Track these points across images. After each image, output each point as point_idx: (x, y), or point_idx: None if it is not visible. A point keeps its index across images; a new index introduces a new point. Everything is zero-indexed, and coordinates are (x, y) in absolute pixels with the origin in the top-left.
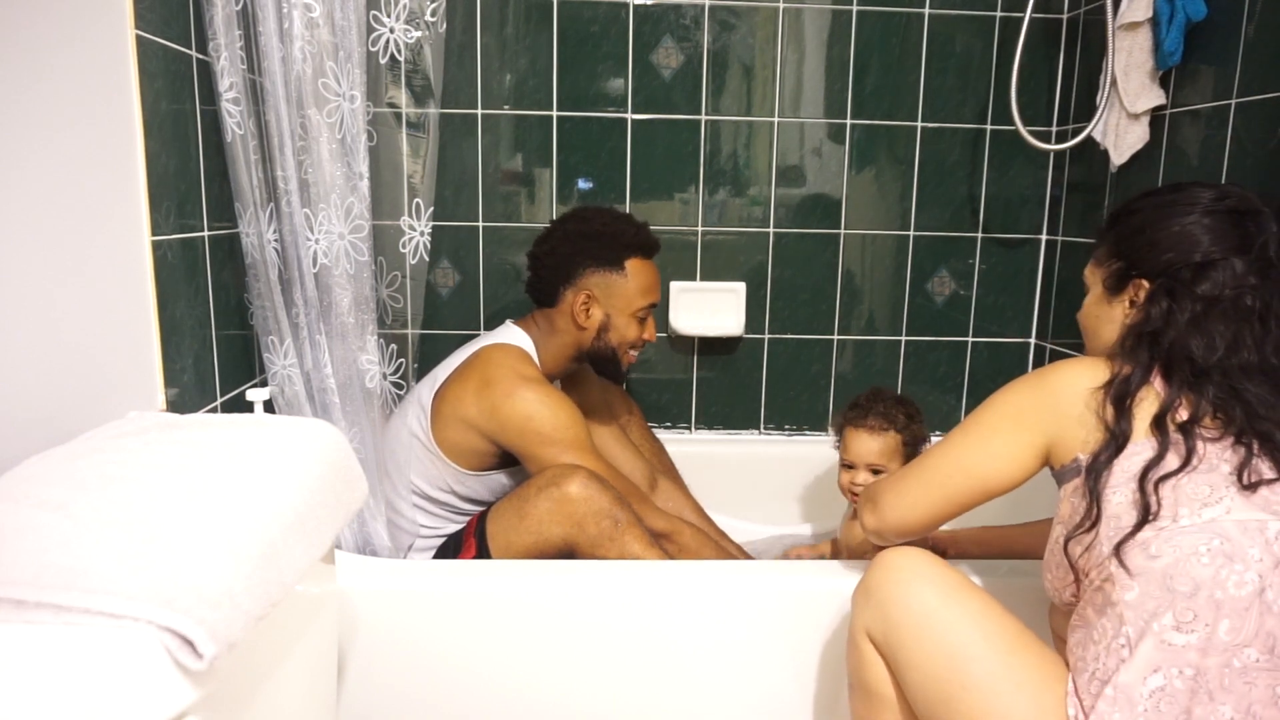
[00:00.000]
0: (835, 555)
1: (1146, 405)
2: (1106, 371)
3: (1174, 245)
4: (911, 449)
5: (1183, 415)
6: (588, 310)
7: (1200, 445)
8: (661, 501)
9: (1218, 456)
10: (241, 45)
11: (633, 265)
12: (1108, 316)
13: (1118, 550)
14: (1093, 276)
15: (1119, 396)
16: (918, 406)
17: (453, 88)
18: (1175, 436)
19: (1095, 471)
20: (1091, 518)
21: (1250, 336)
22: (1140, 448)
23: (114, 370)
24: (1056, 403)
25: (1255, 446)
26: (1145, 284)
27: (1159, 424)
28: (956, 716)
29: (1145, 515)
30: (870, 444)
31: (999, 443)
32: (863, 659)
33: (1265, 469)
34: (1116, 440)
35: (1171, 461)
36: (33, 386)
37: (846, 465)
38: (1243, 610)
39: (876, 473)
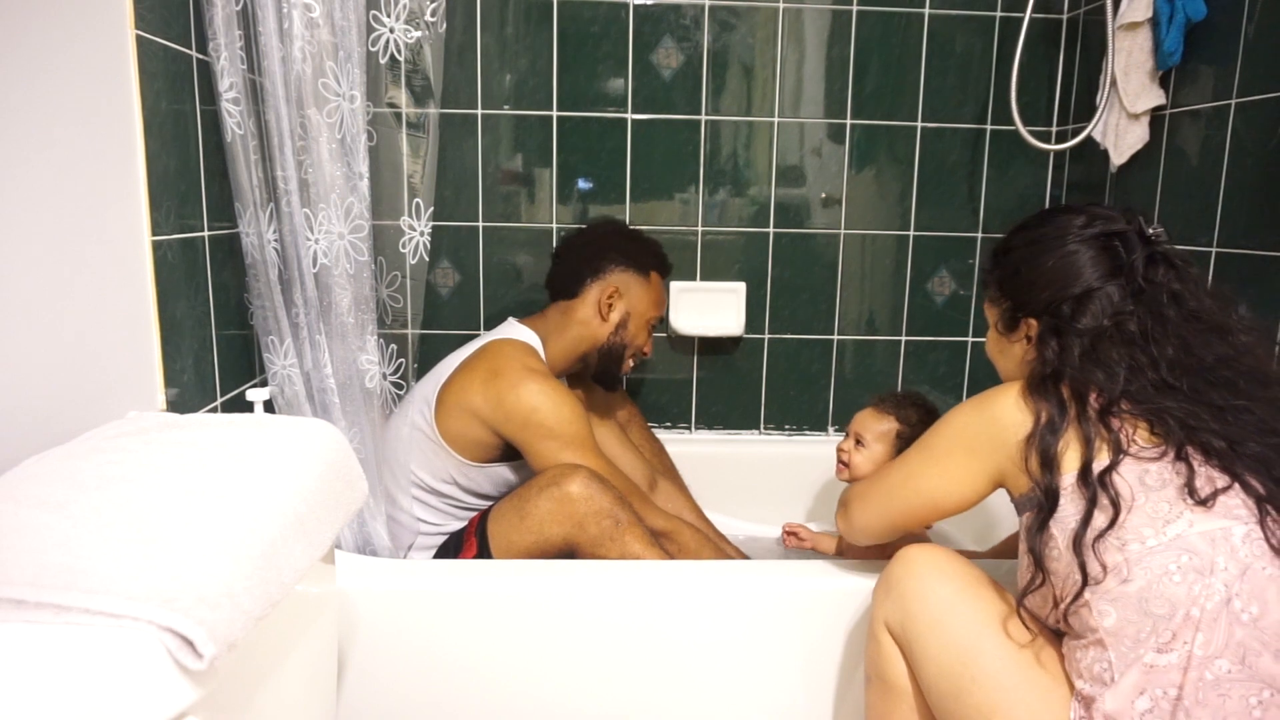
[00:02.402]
0: (840, 551)
1: (1072, 452)
2: (1036, 411)
3: (1049, 282)
4: (905, 446)
5: (1105, 458)
6: (612, 304)
7: (1127, 487)
8: (661, 502)
9: (1167, 471)
10: (241, 45)
11: (654, 277)
12: (1009, 354)
13: (1076, 599)
14: (990, 313)
15: (1043, 451)
16: (931, 410)
17: (453, 88)
18: (1099, 490)
19: (1032, 533)
20: (1039, 581)
21: (1145, 357)
22: (1069, 505)
23: (114, 370)
24: (1002, 441)
25: (1197, 458)
26: (1033, 323)
27: (1084, 476)
28: (967, 710)
29: (1085, 580)
30: (869, 418)
31: (952, 468)
32: (881, 651)
33: (1216, 474)
34: (1049, 500)
35: (1099, 521)
36: (33, 386)
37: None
38: (1211, 622)
39: (859, 443)
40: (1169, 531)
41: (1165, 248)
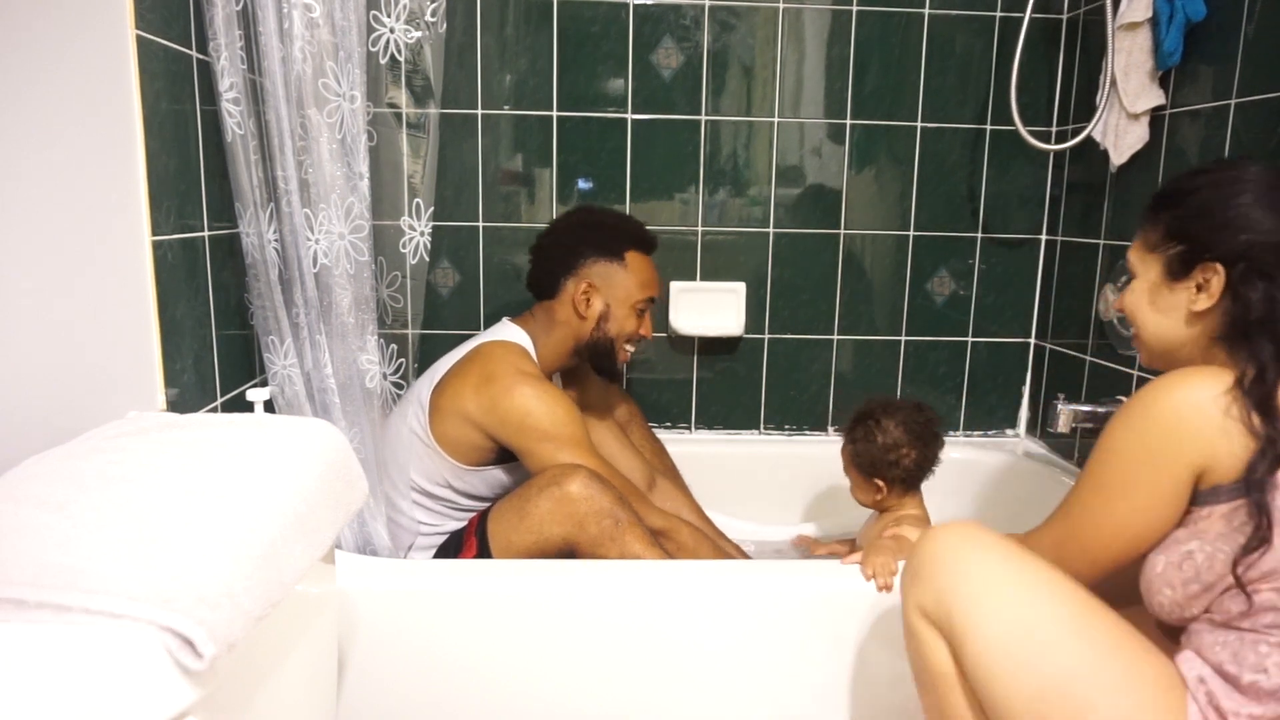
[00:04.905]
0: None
1: None
2: (1215, 375)
3: (1249, 225)
4: (862, 463)
5: None
6: (588, 300)
7: None
8: (660, 502)
9: None
10: (241, 45)
11: (632, 258)
12: (1167, 303)
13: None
14: (1144, 262)
15: (1261, 398)
16: (883, 424)
17: (453, 88)
18: None
19: (1258, 485)
20: (1261, 533)
21: None
22: None
23: (114, 370)
24: (1192, 426)
25: None
26: (1219, 267)
27: None
28: (1040, 680)
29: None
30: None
31: (1142, 495)
32: (921, 643)
33: None
34: (1275, 446)
35: None
36: (33, 386)
37: None
38: None
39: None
40: None
41: None
